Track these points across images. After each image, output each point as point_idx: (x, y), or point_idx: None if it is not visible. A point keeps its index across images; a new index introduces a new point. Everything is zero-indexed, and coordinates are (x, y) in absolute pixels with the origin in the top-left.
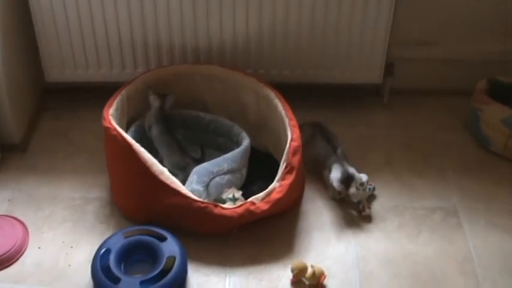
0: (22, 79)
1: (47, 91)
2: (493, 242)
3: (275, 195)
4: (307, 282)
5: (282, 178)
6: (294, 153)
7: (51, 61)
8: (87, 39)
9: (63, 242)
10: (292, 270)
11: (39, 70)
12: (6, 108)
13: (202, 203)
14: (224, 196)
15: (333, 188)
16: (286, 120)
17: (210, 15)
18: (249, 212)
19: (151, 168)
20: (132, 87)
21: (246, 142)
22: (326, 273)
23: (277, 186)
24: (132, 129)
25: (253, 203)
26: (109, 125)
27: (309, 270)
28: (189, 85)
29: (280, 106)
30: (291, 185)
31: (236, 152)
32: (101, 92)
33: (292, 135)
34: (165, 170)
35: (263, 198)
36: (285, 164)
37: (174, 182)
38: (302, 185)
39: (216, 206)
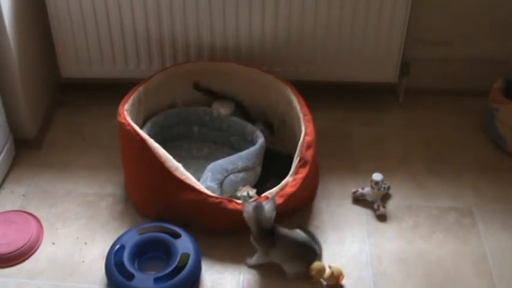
0: (38, 75)
1: (62, 87)
2: (508, 242)
3: (289, 189)
4: (325, 283)
5: (296, 172)
6: (308, 147)
7: (67, 57)
8: (103, 36)
9: (77, 238)
10: (311, 271)
11: (55, 66)
12: (21, 104)
13: (217, 198)
14: (238, 194)
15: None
16: (301, 116)
17: (227, 13)
18: None
19: (165, 164)
20: (149, 84)
21: (260, 140)
22: (344, 273)
23: (290, 181)
24: (148, 125)
25: (267, 198)
26: (123, 120)
27: (327, 271)
28: (205, 82)
29: (296, 101)
30: (305, 179)
31: (251, 150)
32: (115, 89)
33: (306, 130)
34: (179, 166)
35: (277, 193)
36: (298, 158)
37: (189, 177)
38: (316, 180)
39: (230, 201)
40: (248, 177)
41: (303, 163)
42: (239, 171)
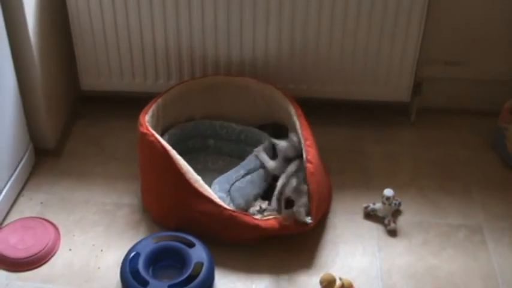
0: (58, 87)
1: (81, 99)
2: None
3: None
4: None
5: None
6: (310, 175)
7: (87, 70)
8: (123, 50)
9: (94, 245)
10: (321, 282)
11: (75, 79)
12: (42, 114)
13: (234, 211)
14: (251, 210)
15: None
16: (302, 140)
17: (244, 30)
18: (279, 227)
19: (186, 175)
20: (168, 97)
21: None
22: (354, 285)
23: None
24: (166, 137)
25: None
26: (146, 131)
27: (338, 283)
28: (221, 96)
29: (298, 125)
30: (317, 208)
31: (250, 156)
32: (133, 102)
33: (307, 157)
34: (199, 178)
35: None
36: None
37: (207, 190)
38: (328, 201)
39: (246, 215)
40: (254, 177)
41: (310, 191)
42: (243, 176)
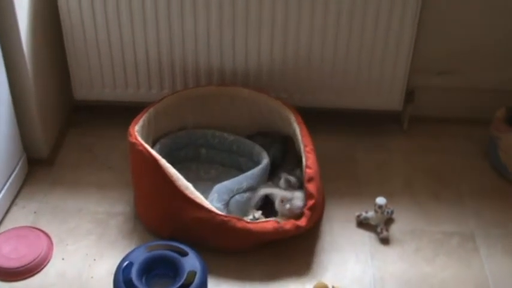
0: (52, 97)
1: (75, 108)
2: (509, 267)
3: (299, 222)
4: None
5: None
6: (309, 180)
7: (80, 80)
8: (116, 60)
9: (87, 254)
10: None
11: (68, 89)
12: (36, 123)
13: (226, 216)
14: (245, 219)
15: None
16: (302, 147)
17: (237, 40)
18: (272, 230)
19: (176, 183)
20: (159, 107)
21: (265, 161)
22: None
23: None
24: (157, 147)
25: (277, 223)
26: (135, 141)
27: None
28: (214, 106)
29: (298, 131)
30: (313, 211)
31: (255, 170)
32: (127, 111)
33: (306, 162)
34: (189, 185)
35: (288, 221)
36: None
37: (199, 197)
38: (322, 210)
39: (239, 220)
40: (253, 197)
41: (308, 195)
42: (244, 191)
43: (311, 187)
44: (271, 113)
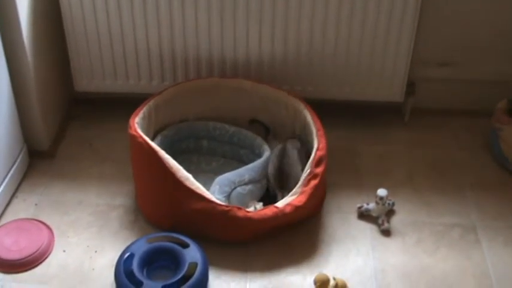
0: (52, 89)
1: (75, 100)
2: (510, 259)
3: (297, 200)
4: None
5: (305, 184)
6: (318, 162)
7: (81, 71)
8: (117, 51)
9: (88, 246)
10: (315, 282)
11: (69, 80)
12: (36, 116)
13: (227, 206)
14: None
15: None
16: (314, 130)
17: (237, 32)
18: (273, 215)
19: (176, 174)
20: (160, 99)
21: (267, 153)
22: (348, 285)
23: (299, 191)
24: (158, 138)
25: (276, 207)
26: (134, 133)
27: (332, 283)
28: (215, 97)
29: (309, 117)
30: (314, 191)
31: (257, 163)
32: (127, 103)
33: (318, 145)
34: (190, 176)
35: (286, 204)
36: (308, 171)
37: (199, 187)
38: (323, 193)
39: (239, 209)
40: (255, 189)
41: (312, 176)
42: (246, 184)
43: (318, 169)
44: (277, 103)
